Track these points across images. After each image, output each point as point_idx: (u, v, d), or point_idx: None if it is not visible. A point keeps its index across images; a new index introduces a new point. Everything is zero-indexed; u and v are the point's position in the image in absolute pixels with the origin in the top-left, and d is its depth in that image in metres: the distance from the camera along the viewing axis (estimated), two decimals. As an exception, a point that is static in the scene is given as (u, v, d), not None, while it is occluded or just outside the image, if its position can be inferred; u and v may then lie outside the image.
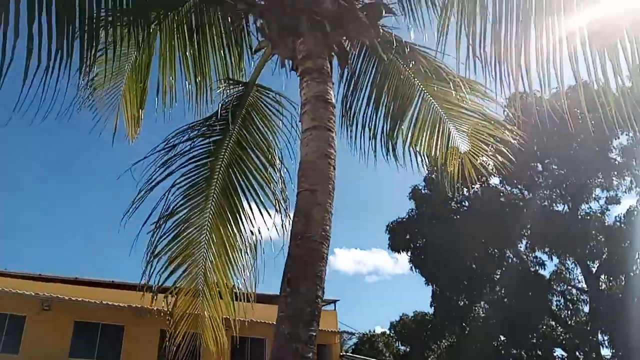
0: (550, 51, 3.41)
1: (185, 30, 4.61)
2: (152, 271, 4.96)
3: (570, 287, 21.83)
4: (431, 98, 5.45)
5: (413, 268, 21.76)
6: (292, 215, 3.57)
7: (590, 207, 20.43)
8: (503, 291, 21.07)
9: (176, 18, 4.56)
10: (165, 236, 4.91)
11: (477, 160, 5.54)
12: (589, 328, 20.62)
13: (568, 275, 21.70)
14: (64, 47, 3.11)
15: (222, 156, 5.15)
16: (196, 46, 4.73)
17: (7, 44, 2.96)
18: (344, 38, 4.00)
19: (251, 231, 5.03)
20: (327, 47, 3.76)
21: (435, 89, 5.37)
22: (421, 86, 5.40)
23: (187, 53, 4.87)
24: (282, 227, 4.88)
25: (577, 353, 20.84)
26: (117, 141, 5.55)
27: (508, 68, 3.53)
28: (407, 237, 22.02)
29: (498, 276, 21.53)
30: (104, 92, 5.29)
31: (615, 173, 19.51)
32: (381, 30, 4.29)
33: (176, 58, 4.90)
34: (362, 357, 26.10)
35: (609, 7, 3.26)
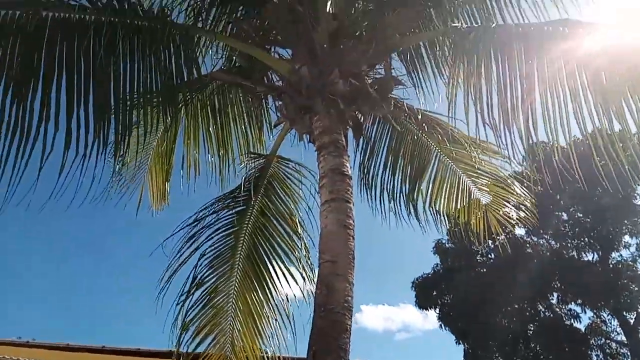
0: (557, 111, 3.57)
1: (209, 110, 4.94)
2: (180, 341, 5.05)
3: (608, 341, 20.83)
4: (447, 159, 5.61)
5: (442, 326, 21.16)
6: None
7: (621, 255, 19.87)
8: (538, 347, 20.21)
9: (200, 99, 4.90)
10: (193, 307, 5.03)
11: (499, 211, 5.60)
12: (633, 384, 19.52)
13: (605, 328, 20.77)
14: (100, 137, 3.39)
15: (245, 225, 5.33)
16: (219, 124, 5.05)
17: (47, 137, 3.26)
18: (357, 113, 4.23)
19: (282, 299, 5.11)
20: (341, 123, 3.98)
21: (451, 151, 5.53)
22: (436, 148, 5.58)
23: (211, 129, 5.18)
24: (309, 293, 4.97)
25: (625, 413, 19.65)
26: (141, 212, 5.79)
27: (517, 132, 3.69)
28: (434, 293, 21.56)
29: (532, 331, 20.74)
30: (131, 167, 5.59)
31: (642, 220, 19.10)
32: (392, 103, 4.53)
33: (200, 134, 5.21)
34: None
35: (610, 65, 3.43)
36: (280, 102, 4.33)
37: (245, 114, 5.10)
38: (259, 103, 4.83)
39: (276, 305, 5.22)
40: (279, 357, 5.16)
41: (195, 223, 4.95)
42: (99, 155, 3.36)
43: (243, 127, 5.20)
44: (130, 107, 3.59)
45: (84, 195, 3.34)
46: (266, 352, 5.25)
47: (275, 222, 5.37)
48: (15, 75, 3.18)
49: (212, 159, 5.31)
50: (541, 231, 20.12)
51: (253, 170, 5.27)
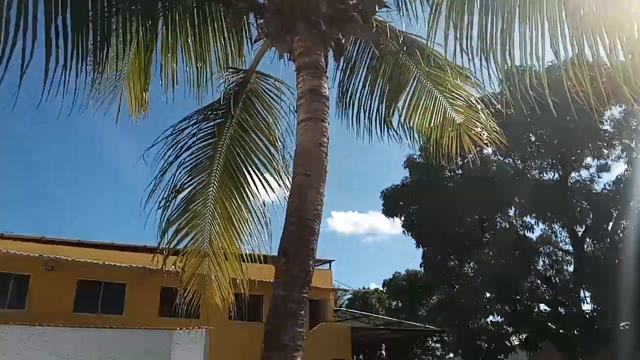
0: (533, 41, 3.67)
1: (188, 22, 4.79)
2: (161, 239, 5.35)
3: (556, 250, 22.60)
4: (426, 80, 5.69)
5: (405, 232, 22.41)
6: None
7: (580, 175, 20.94)
8: (491, 253, 21.79)
9: (180, 11, 4.71)
10: (174, 212, 5.27)
11: (472, 131, 5.81)
12: (572, 286, 21.56)
13: (554, 238, 22.42)
14: (79, 47, 3.36)
15: (224, 137, 5.44)
16: (198, 36, 4.92)
17: (26, 45, 3.22)
18: (339, 34, 4.22)
19: (259, 204, 5.35)
20: (322, 44, 4.00)
21: (430, 73, 5.59)
22: (416, 69, 5.62)
23: (190, 40, 5.05)
24: (285, 198, 5.22)
25: (560, 308, 21.84)
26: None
27: (494, 60, 3.80)
28: (401, 203, 22.55)
29: (487, 239, 22.19)
30: (111, 76, 5.47)
31: (606, 143, 19.87)
32: (375, 24, 4.50)
33: (179, 46, 5.08)
34: (354, 311, 27.22)
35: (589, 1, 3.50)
36: (261, 20, 4.26)
37: (225, 29, 4.97)
38: (239, 19, 4.72)
39: (253, 209, 5.49)
40: (256, 255, 5.52)
41: (177, 132, 5.04)
42: (78, 65, 3.34)
43: (222, 41, 5.06)
44: (109, 16, 3.51)
45: (67, 102, 3.38)
46: (244, 251, 5.60)
47: (253, 134, 5.49)
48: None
49: (190, 70, 5.25)
50: (510, 152, 20.82)
51: (232, 84, 5.27)
